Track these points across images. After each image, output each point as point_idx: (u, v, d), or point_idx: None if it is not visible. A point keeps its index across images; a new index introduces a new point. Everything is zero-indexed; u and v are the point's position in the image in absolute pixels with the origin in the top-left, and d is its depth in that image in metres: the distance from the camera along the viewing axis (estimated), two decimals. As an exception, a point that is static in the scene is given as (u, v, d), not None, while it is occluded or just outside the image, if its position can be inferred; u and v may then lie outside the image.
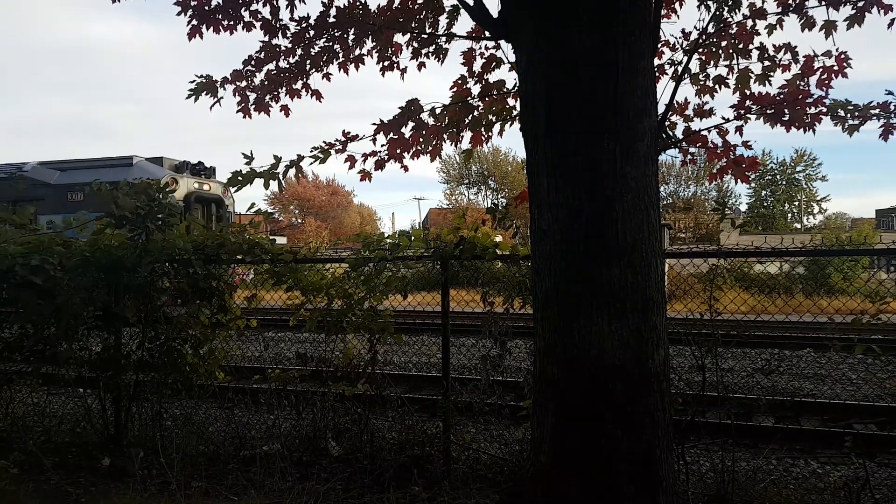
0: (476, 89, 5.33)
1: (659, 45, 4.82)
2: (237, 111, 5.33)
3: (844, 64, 4.90)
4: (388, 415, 5.93)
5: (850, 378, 9.59)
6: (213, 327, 6.28)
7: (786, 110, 4.64)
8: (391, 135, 5.08)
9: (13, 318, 6.29)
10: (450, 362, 5.64)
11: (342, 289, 5.75)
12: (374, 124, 5.05)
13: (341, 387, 5.76)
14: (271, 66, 5.33)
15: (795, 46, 5.03)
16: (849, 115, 4.63)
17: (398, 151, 5.18)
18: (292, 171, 5.17)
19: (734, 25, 5.07)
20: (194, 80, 5.17)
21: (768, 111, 4.67)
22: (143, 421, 6.35)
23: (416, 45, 5.37)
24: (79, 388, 6.81)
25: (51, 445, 6.27)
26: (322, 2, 5.11)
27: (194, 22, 5.06)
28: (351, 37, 5.22)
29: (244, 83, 5.32)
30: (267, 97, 5.41)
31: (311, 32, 5.19)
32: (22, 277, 5.85)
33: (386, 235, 5.98)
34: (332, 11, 5.11)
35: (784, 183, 57.88)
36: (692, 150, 5.12)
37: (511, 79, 5.11)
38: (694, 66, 5.25)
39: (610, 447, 3.49)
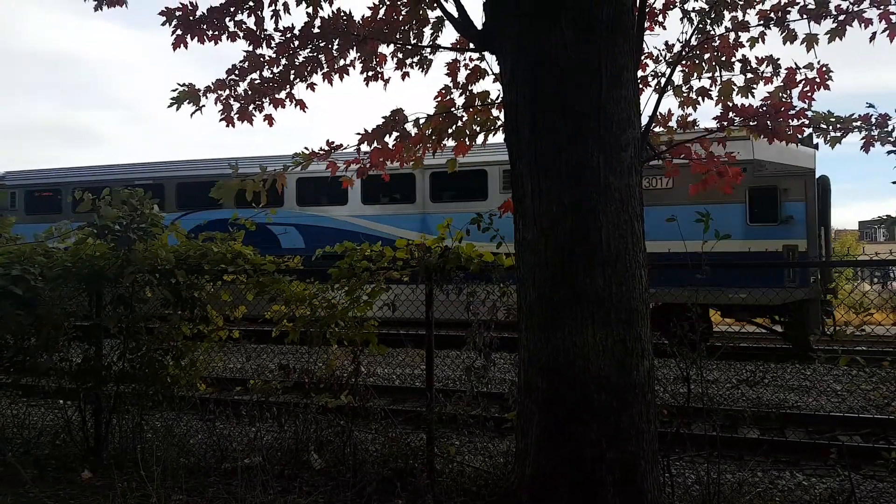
0: (460, 100, 5.34)
1: (642, 57, 4.85)
2: (220, 120, 5.30)
3: (826, 76, 4.94)
4: (372, 427, 5.88)
5: (835, 389, 9.61)
6: (194, 338, 6.22)
7: (768, 122, 4.66)
8: (375, 144, 5.07)
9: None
10: (434, 373, 5.60)
11: (325, 299, 5.71)
12: (359, 134, 5.04)
13: (324, 398, 5.70)
14: (255, 75, 5.31)
15: (778, 59, 5.07)
16: (831, 128, 4.66)
17: (381, 160, 5.17)
18: None
19: (717, 38, 5.11)
20: (176, 89, 5.13)
21: (751, 123, 4.70)
22: (123, 433, 6.28)
23: (400, 55, 5.37)
24: (59, 400, 6.73)
25: (30, 458, 6.16)
26: (307, 12, 5.09)
27: (179, 32, 5.03)
28: (335, 47, 5.21)
29: (227, 92, 5.29)
30: (250, 107, 5.39)
31: (296, 43, 5.17)
32: (2, 287, 5.78)
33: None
34: (317, 22, 5.09)
35: (769, 195, 58.34)
36: (676, 161, 5.13)
37: (495, 90, 5.12)
38: (677, 78, 5.29)
39: (595, 458, 3.47)
